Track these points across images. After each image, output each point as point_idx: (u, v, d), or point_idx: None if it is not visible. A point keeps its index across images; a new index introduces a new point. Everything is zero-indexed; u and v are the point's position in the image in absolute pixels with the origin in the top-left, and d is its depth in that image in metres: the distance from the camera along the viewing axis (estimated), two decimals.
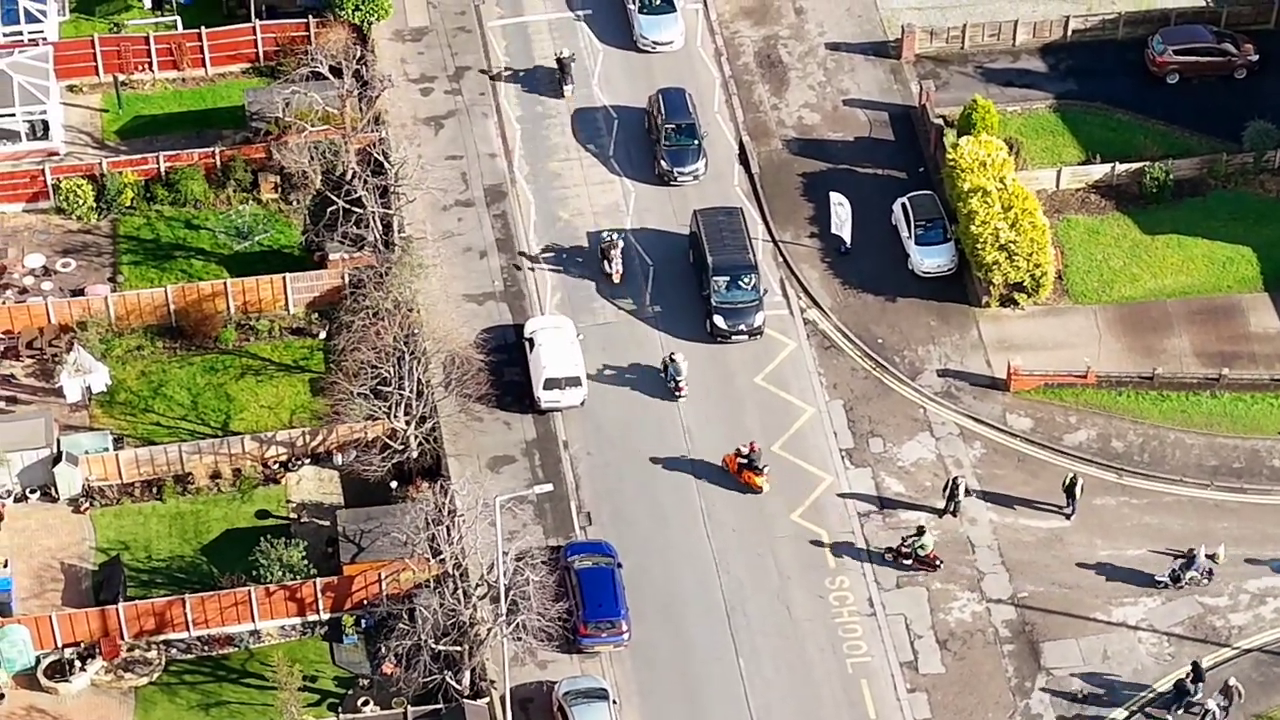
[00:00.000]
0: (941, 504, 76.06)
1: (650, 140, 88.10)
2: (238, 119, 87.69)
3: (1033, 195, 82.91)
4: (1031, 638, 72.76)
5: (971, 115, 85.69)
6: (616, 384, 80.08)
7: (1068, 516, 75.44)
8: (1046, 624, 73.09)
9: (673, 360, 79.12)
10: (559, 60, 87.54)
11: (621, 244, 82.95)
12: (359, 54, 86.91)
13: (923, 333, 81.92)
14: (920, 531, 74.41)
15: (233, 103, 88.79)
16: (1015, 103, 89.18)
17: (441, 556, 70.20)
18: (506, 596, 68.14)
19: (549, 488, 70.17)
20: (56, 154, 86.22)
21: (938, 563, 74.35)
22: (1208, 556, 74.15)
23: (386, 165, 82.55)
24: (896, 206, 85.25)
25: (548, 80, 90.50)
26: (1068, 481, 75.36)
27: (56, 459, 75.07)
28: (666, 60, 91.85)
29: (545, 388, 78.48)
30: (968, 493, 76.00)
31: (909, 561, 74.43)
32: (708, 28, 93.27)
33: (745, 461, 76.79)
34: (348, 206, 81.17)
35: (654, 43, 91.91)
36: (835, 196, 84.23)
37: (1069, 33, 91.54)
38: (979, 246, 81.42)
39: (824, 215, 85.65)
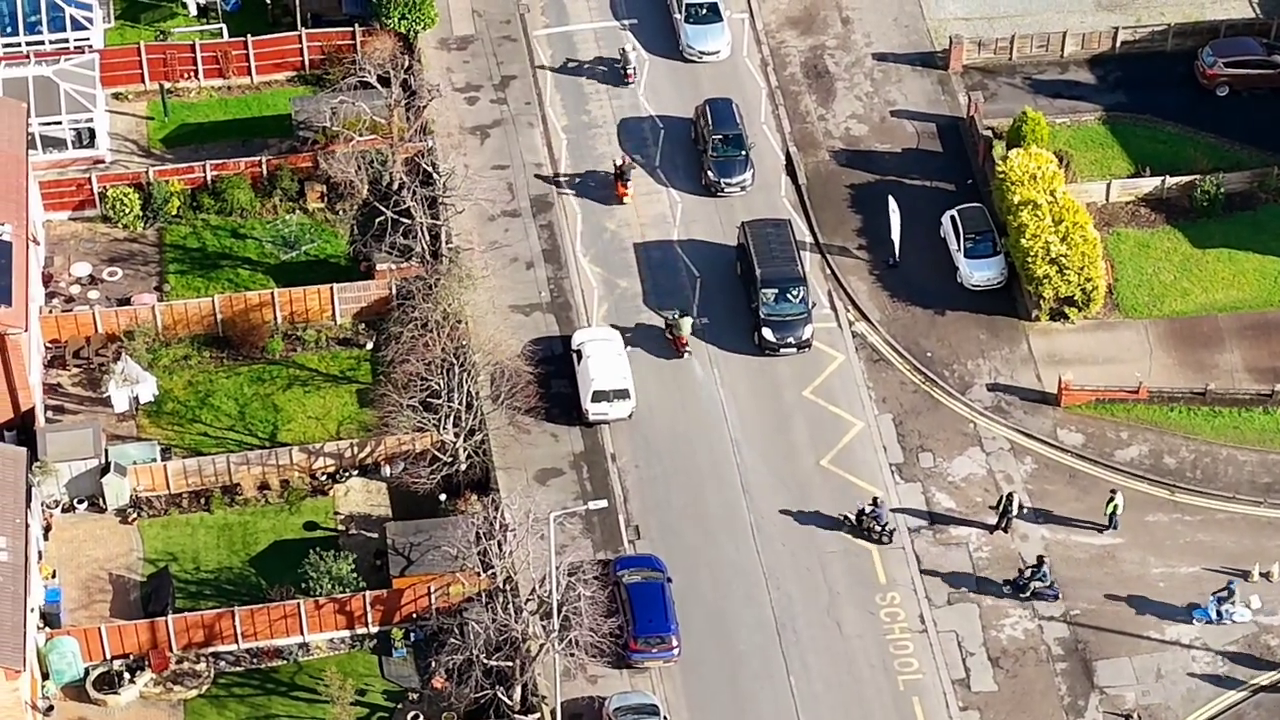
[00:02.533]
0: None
1: (697, 151, 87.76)
2: (283, 127, 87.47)
3: (1083, 208, 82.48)
4: (1084, 656, 72.32)
5: (1021, 127, 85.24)
6: (664, 397, 79.75)
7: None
8: (1099, 642, 72.64)
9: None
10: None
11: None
12: (406, 63, 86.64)
13: (972, 346, 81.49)
14: (875, 503, 74.53)
15: (278, 111, 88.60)
16: (1064, 115, 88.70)
17: (492, 571, 69.92)
18: (559, 613, 67.85)
19: (603, 504, 69.88)
20: (102, 162, 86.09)
21: (889, 535, 74.35)
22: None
23: (435, 176, 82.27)
24: (945, 219, 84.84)
25: (594, 92, 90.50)
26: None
27: (105, 469, 74.92)
28: (712, 70, 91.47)
29: (593, 400, 78.16)
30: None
31: (868, 532, 74.49)
32: (754, 37, 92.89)
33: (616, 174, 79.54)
34: (396, 217, 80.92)
35: (700, 53, 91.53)
36: (893, 204, 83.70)
37: (1118, 44, 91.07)
38: (1029, 260, 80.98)
39: (872, 227, 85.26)
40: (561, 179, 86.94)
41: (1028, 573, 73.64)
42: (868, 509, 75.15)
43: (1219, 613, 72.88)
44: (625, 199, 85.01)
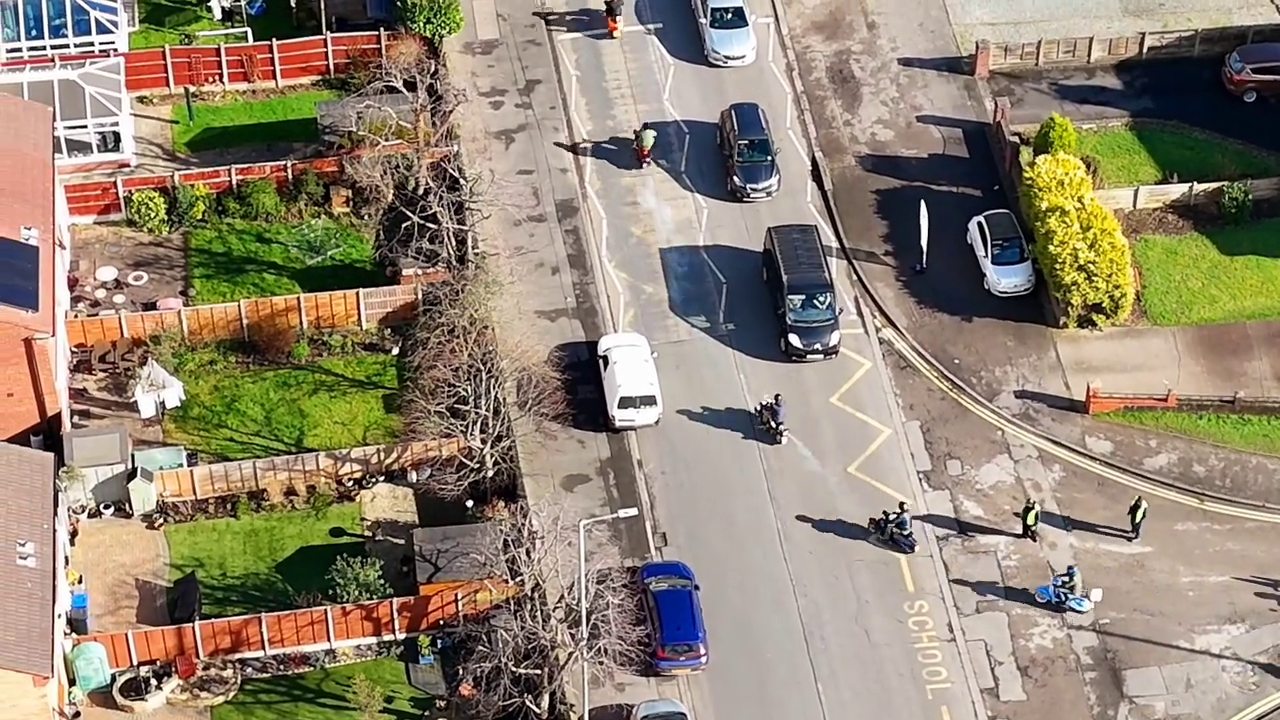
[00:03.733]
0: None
1: (722, 156, 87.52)
2: (308, 131, 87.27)
3: (1111, 215, 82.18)
4: (1114, 665, 72.06)
5: (1049, 133, 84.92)
6: (691, 403, 79.54)
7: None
8: (1129, 651, 72.37)
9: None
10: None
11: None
12: (432, 68, 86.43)
13: (1000, 353, 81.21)
14: (901, 508, 74.72)
15: (303, 115, 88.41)
16: (1091, 120, 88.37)
17: (520, 578, 69.73)
18: (588, 621, 67.64)
19: (633, 512, 69.67)
20: (127, 166, 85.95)
21: (911, 544, 74.61)
22: None
23: (461, 181, 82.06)
24: (972, 225, 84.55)
25: (619, 98, 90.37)
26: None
27: (131, 474, 74.78)
28: (738, 75, 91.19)
29: (620, 406, 77.95)
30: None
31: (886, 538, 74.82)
32: (779, 42, 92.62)
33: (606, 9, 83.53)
34: (422, 222, 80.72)
35: (725, 57, 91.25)
36: (924, 209, 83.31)
37: (1145, 50, 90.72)
38: (1057, 267, 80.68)
39: (898, 232, 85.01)
40: (587, 183, 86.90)
41: (892, 516, 74.33)
42: (893, 515, 75.06)
43: (1058, 595, 72.84)
44: (615, 34, 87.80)
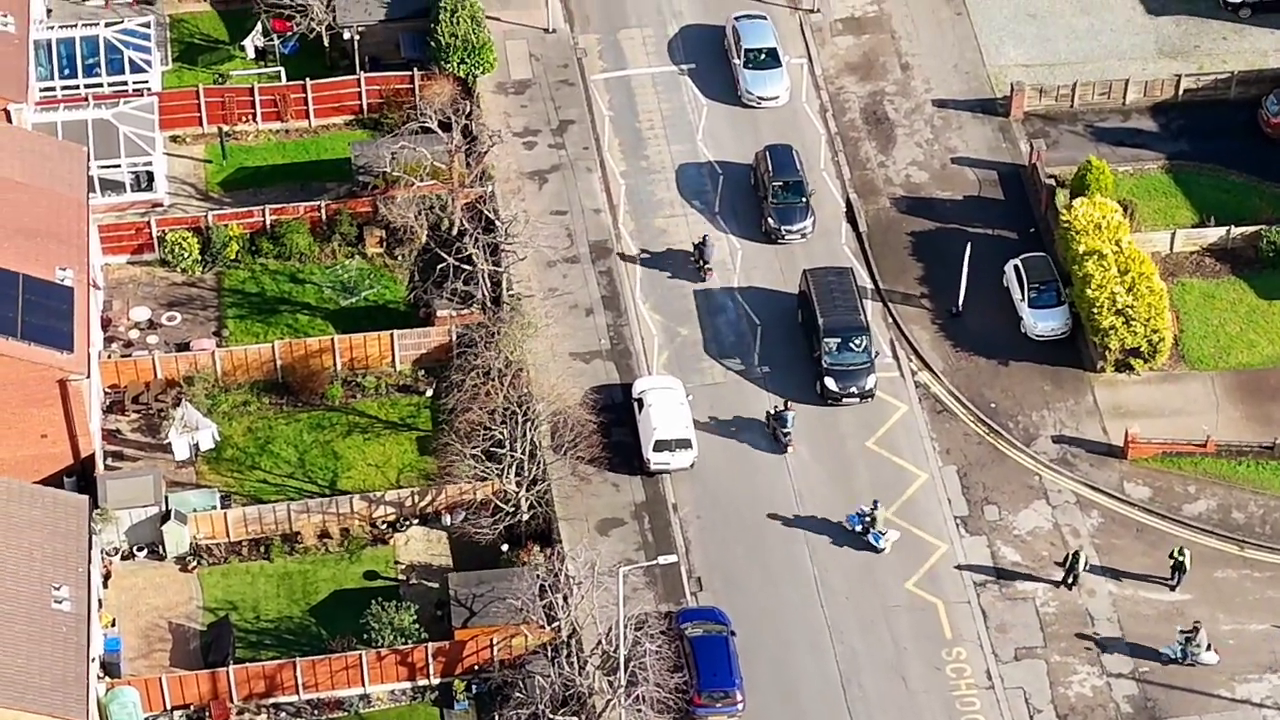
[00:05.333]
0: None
1: (757, 197, 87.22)
2: (341, 171, 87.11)
3: (1149, 259, 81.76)
4: (1154, 714, 71.41)
5: (1086, 176, 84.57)
6: (726, 446, 79.13)
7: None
8: (1169, 700, 71.75)
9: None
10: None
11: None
12: (467, 109, 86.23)
13: (1037, 397, 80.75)
14: (786, 405, 78.57)
15: (336, 155, 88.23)
16: (1126, 163, 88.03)
17: (557, 624, 69.26)
18: (626, 668, 67.16)
19: (673, 559, 69.17)
20: (160, 205, 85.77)
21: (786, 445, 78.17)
22: None
23: (496, 222, 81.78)
24: (1009, 268, 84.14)
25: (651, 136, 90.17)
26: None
27: (165, 517, 74.47)
28: (771, 116, 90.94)
29: (655, 450, 77.55)
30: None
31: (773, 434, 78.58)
32: (813, 83, 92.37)
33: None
34: (458, 264, 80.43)
35: (759, 98, 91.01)
36: (968, 250, 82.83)
37: (1180, 92, 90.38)
38: (1095, 311, 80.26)
39: (934, 274, 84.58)
40: (620, 224, 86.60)
41: (774, 410, 77.92)
42: (776, 409, 77.93)
43: (867, 530, 75.66)
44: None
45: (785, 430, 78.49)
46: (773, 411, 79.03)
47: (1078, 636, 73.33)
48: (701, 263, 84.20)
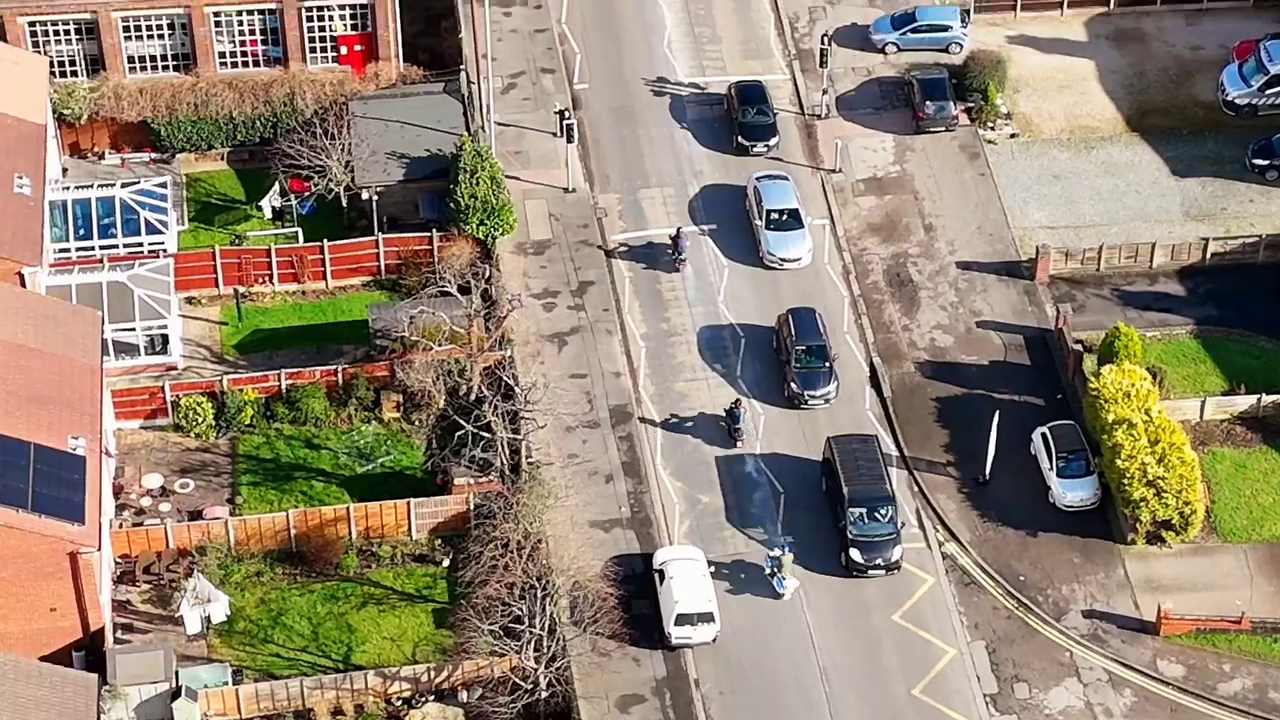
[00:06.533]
0: None
1: (780, 361, 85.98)
2: (358, 334, 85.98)
3: (1180, 429, 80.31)
4: None
5: (1114, 342, 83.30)
6: (749, 620, 77.38)
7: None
8: None
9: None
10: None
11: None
12: (487, 273, 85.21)
13: (1066, 570, 79.05)
14: (736, 404, 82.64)
15: (354, 316, 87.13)
16: (1154, 328, 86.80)
17: None
18: None
19: None
20: (175, 369, 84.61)
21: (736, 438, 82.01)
22: None
23: (516, 389, 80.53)
24: (1036, 436, 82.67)
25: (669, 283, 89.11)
26: None
27: (175, 693, 72.67)
28: (794, 277, 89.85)
29: (677, 624, 75.85)
30: None
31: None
32: (835, 244, 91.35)
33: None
34: (476, 431, 79.09)
35: (781, 260, 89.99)
36: (997, 418, 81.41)
37: (1208, 256, 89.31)
38: (1126, 482, 78.69)
39: (959, 442, 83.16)
40: (640, 388, 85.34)
41: (728, 406, 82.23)
42: (729, 406, 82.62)
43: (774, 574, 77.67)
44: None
45: (737, 427, 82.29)
46: (727, 409, 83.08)
47: None
48: (676, 254, 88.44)
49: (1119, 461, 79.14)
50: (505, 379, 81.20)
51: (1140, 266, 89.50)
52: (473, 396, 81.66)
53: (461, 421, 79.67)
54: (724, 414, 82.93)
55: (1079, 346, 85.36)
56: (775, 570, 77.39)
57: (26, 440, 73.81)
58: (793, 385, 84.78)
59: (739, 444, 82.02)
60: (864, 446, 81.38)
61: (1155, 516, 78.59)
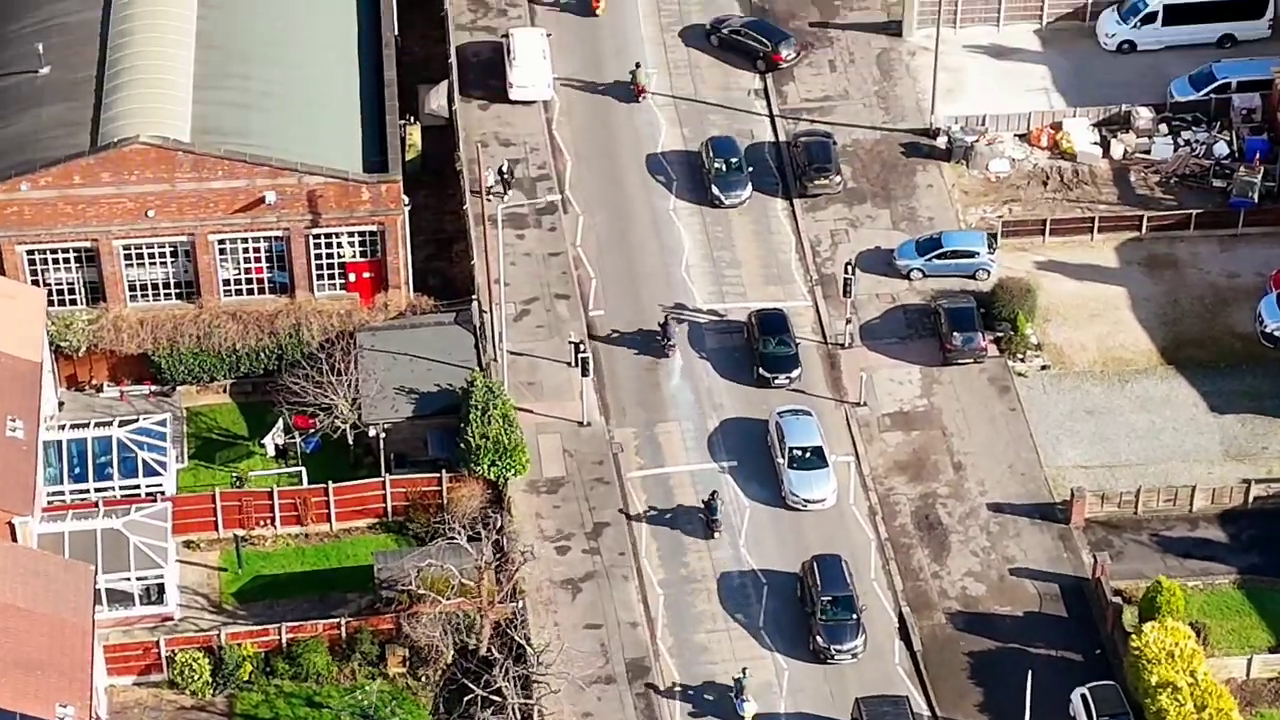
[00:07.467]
0: None
1: (804, 613, 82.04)
2: (363, 578, 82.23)
3: (1227, 692, 76.30)
4: None
5: (1155, 598, 79.44)
6: None
7: None
8: None
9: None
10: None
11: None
12: (499, 523, 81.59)
13: None
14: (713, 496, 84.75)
15: (358, 561, 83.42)
16: (1196, 576, 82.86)
17: None
18: None
19: None
20: (171, 619, 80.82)
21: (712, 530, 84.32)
22: None
23: (528, 650, 76.64)
24: (1075, 697, 78.54)
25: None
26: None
27: None
28: (817, 519, 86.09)
29: None
30: None
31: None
32: (860, 483, 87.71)
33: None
34: (487, 696, 75.16)
35: (804, 500, 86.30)
36: (1030, 679, 77.25)
37: (1250, 499, 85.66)
38: None
39: (994, 700, 79.16)
40: (659, 640, 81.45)
41: (706, 497, 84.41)
42: (707, 497, 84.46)
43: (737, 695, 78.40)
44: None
45: (715, 518, 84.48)
46: (705, 500, 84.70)
47: None
48: (665, 340, 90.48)
49: None
50: (517, 639, 77.32)
51: (1180, 510, 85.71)
52: (482, 652, 77.80)
53: (471, 686, 75.71)
54: (702, 505, 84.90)
55: (1118, 599, 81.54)
56: (738, 692, 78.51)
57: (11, 710, 70.05)
58: (818, 639, 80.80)
59: (717, 534, 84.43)
60: (895, 709, 77.36)
61: None
